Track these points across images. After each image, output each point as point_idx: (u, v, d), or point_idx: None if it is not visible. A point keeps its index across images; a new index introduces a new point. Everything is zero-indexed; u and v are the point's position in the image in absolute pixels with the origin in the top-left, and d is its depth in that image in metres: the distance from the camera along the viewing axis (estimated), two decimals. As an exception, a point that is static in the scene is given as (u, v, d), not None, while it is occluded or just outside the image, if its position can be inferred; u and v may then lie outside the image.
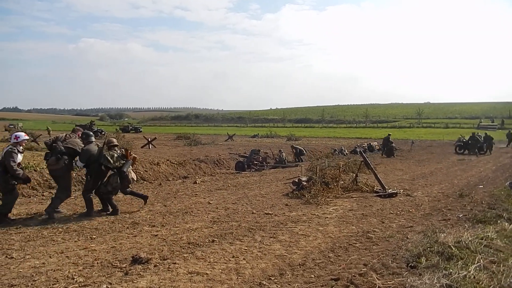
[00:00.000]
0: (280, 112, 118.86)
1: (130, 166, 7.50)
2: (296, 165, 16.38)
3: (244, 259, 4.84)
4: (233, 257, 4.90)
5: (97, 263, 4.64)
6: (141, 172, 11.69)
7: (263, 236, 5.84)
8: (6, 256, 4.82)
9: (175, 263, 4.63)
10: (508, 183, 10.40)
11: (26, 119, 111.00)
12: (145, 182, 11.24)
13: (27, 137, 6.95)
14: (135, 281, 4.11)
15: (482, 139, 23.92)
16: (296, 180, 10.20)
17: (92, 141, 7.44)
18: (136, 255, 4.74)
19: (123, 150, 7.84)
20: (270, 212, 7.46)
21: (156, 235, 5.82)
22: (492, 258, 4.37)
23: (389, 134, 22.78)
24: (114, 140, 8.11)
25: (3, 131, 41.53)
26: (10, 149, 6.51)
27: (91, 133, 7.80)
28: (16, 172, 6.51)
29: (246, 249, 5.20)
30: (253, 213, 7.43)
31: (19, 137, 6.70)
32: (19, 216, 6.88)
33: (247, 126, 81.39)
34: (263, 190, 10.19)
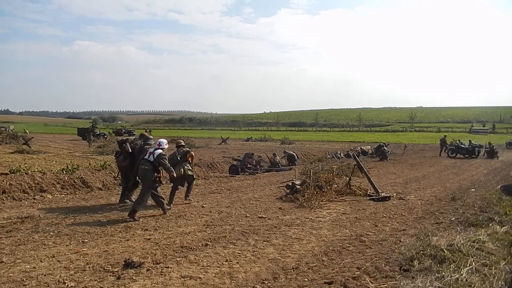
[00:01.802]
0: (274, 116, 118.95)
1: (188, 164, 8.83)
2: (290, 168, 16.39)
3: (237, 263, 4.82)
4: (227, 261, 4.88)
5: (89, 267, 4.58)
6: (134, 176, 11.62)
7: (256, 239, 5.82)
8: (-4, 261, 4.75)
9: (168, 267, 4.59)
10: (499, 186, 10.49)
11: (17, 121, 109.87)
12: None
13: (167, 146, 7.85)
14: (127, 286, 4.07)
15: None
16: (290, 184, 10.21)
17: (150, 144, 8.41)
18: (128, 259, 4.70)
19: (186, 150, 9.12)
20: (263, 216, 7.45)
21: (149, 239, 5.78)
22: (484, 261, 4.40)
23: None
24: (182, 141, 9.68)
25: (-6, 134, 41.05)
26: (161, 153, 7.53)
27: (151, 137, 8.79)
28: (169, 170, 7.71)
29: (239, 253, 5.18)
30: (246, 216, 7.42)
31: (161, 144, 7.78)
32: (10, 220, 6.78)
33: (241, 129, 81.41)
34: (256, 194, 10.18)
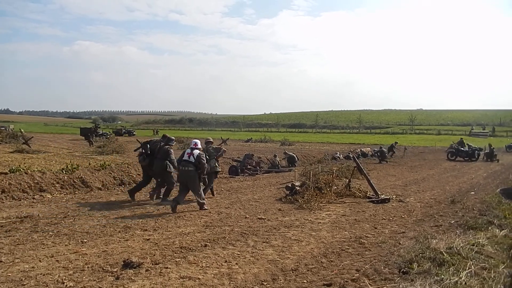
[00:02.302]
0: (274, 117, 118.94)
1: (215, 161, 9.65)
2: (290, 170, 16.39)
3: (236, 264, 4.82)
4: (226, 261, 4.88)
5: (88, 267, 4.58)
6: (134, 176, 11.62)
7: (256, 241, 5.82)
8: (-5, 260, 4.75)
9: (167, 268, 4.59)
10: (499, 189, 10.49)
11: (17, 121, 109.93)
12: (137, 185, 11.15)
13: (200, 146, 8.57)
14: (126, 286, 4.06)
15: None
16: (290, 185, 10.21)
17: (172, 145, 9.20)
18: (127, 260, 4.69)
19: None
20: (263, 217, 7.45)
21: (148, 239, 5.78)
22: (483, 264, 4.39)
23: (396, 142, 23.58)
24: (210, 138, 10.48)
25: (-6, 133, 41.05)
26: (199, 153, 8.24)
27: (173, 138, 9.52)
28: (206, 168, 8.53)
29: (238, 254, 5.18)
30: (246, 217, 7.42)
31: (197, 144, 8.52)
32: (9, 219, 6.78)
33: (241, 130, 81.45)
34: (256, 195, 10.18)
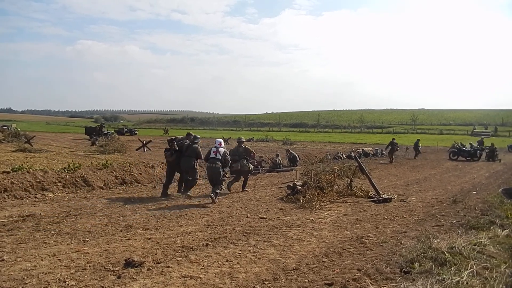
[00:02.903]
0: (276, 116, 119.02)
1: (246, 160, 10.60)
2: (291, 169, 16.39)
3: (238, 263, 4.82)
4: (227, 261, 4.88)
5: (90, 266, 4.59)
6: (136, 175, 11.64)
7: (257, 240, 5.83)
8: (-3, 259, 4.77)
9: (168, 267, 4.60)
10: (501, 189, 10.44)
11: (20, 120, 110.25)
12: (139, 184, 11.20)
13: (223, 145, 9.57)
14: (127, 285, 4.07)
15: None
16: (291, 185, 10.21)
17: (198, 143, 9.73)
18: (129, 259, 4.70)
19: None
20: (264, 216, 7.46)
21: (149, 238, 5.78)
22: (485, 264, 4.38)
23: (393, 139, 23.44)
24: (243, 138, 11.39)
25: (-3, 132, 41.18)
26: (225, 151, 9.29)
27: (198, 136, 10.03)
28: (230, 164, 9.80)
29: (240, 253, 5.19)
30: (247, 217, 7.42)
31: (221, 143, 9.52)
32: (11, 218, 6.80)
33: (242, 129, 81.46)
34: (257, 194, 10.18)
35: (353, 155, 21.38)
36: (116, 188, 10.53)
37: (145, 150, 22.70)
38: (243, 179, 10.87)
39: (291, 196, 9.43)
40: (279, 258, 5.02)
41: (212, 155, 9.11)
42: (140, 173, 11.83)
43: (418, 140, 26.64)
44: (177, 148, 9.62)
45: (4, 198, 8.43)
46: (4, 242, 5.45)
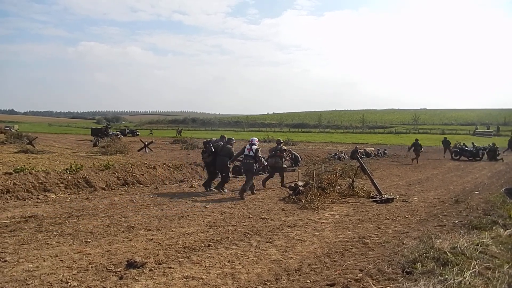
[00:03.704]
0: (277, 117, 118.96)
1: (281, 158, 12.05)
2: (293, 169, 16.36)
3: (239, 263, 4.82)
4: (229, 261, 4.88)
5: (92, 267, 4.60)
6: (137, 176, 11.66)
7: (259, 241, 5.82)
8: (0, 260, 4.78)
9: (170, 268, 4.60)
10: (503, 189, 10.41)
11: (22, 121, 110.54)
12: (141, 185, 11.21)
13: (257, 142, 10.71)
14: (129, 285, 4.08)
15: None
16: (293, 185, 10.20)
17: (232, 144, 10.84)
18: (131, 259, 4.71)
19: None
20: (266, 217, 7.45)
21: (151, 239, 5.79)
22: (488, 264, 4.37)
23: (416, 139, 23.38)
24: (280, 139, 13.35)
25: (-1, 133, 41.33)
26: (257, 148, 10.29)
27: (232, 138, 11.24)
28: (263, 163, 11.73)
29: (242, 254, 5.19)
30: (249, 217, 7.42)
31: (254, 140, 10.52)
32: (13, 219, 6.81)
33: (244, 130, 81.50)
34: (259, 195, 10.19)
35: (355, 155, 21.31)
36: (118, 189, 10.54)
37: (146, 151, 22.73)
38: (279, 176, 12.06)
39: (293, 197, 9.42)
40: (281, 259, 5.02)
41: (246, 152, 10.26)
42: (142, 174, 11.85)
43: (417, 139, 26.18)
44: (213, 150, 10.51)
45: (7, 199, 8.46)
46: (7, 243, 5.47)
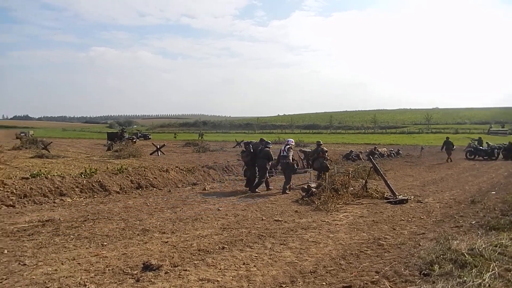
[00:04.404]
0: (288, 118, 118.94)
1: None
2: (305, 171, 16.31)
3: (254, 266, 4.82)
4: (244, 264, 4.89)
5: (109, 269, 4.66)
6: (151, 179, 11.76)
7: (273, 243, 5.82)
8: (19, 263, 4.87)
9: (185, 270, 4.63)
10: None
11: (37, 127, 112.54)
12: (154, 188, 11.29)
13: (293, 142, 12.12)
14: (146, 288, 4.11)
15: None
16: (306, 187, 10.17)
17: (270, 147, 11.43)
18: (147, 262, 4.76)
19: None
20: (280, 219, 7.44)
21: (166, 242, 5.83)
22: (507, 266, 4.29)
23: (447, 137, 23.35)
24: (320, 140, 13.78)
25: (15, 139, 42.17)
26: (291, 148, 11.50)
27: (270, 141, 11.94)
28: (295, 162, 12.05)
29: (256, 256, 5.19)
30: (262, 219, 7.42)
31: (289, 141, 11.89)
32: (31, 223, 6.94)
33: (255, 132, 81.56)
34: (272, 197, 10.18)
35: (368, 156, 21.15)
36: (132, 192, 10.65)
37: (159, 154, 22.93)
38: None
39: (306, 198, 9.39)
40: (296, 261, 5.01)
41: (282, 153, 11.31)
42: (155, 177, 11.94)
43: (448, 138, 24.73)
44: (252, 151, 11.33)
45: (24, 203, 8.61)
46: (25, 246, 5.57)
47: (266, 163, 11.06)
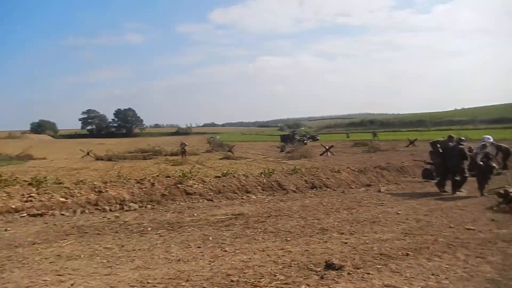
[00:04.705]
0: (468, 112, 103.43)
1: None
2: (498, 173, 13.85)
3: (446, 278, 4.39)
4: (433, 274, 4.51)
5: (294, 264, 4.98)
6: (323, 179, 12.04)
7: (467, 254, 5.17)
8: (221, 249, 5.70)
9: (368, 273, 4.56)
10: None
11: (221, 132, 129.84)
12: (328, 189, 11.51)
13: (490, 140, 10.87)
14: (331, 286, 4.24)
15: None
16: (502, 192, 8.65)
17: (463, 144, 10.52)
18: (329, 261, 4.88)
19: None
20: (472, 228, 6.56)
21: (345, 243, 5.87)
22: None
23: None
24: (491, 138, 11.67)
25: (206, 142, 49.75)
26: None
27: (463, 138, 11.36)
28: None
29: (447, 268, 4.71)
30: (450, 227, 6.68)
31: (485, 139, 10.80)
32: (227, 216, 8.02)
33: (428, 130, 73.89)
34: (459, 202, 9.06)
35: None
36: (307, 191, 11.12)
37: (328, 155, 23.30)
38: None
39: (504, 205, 7.99)
40: (499, 279, 4.33)
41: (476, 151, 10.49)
42: (327, 178, 12.17)
43: None
44: (441, 151, 10.62)
45: (220, 198, 10.03)
46: (224, 235, 6.48)
47: (460, 163, 10.13)
